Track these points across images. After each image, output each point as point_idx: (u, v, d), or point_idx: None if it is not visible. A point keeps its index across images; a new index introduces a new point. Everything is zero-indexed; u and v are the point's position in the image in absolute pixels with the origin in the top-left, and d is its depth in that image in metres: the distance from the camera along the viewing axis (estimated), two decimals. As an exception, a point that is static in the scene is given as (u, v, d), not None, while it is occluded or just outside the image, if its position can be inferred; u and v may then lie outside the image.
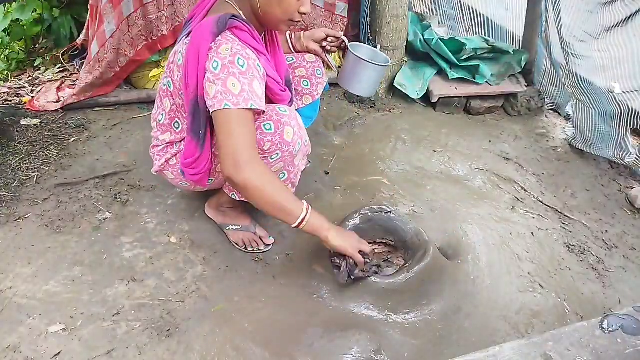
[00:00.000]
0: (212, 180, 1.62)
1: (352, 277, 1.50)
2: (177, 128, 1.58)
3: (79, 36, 2.74)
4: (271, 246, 1.79)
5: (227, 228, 1.80)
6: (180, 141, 1.60)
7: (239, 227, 1.78)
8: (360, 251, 1.49)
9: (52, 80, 2.75)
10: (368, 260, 1.53)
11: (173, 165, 1.62)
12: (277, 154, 1.47)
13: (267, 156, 1.47)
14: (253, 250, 1.77)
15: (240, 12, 1.40)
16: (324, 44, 1.78)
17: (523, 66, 2.72)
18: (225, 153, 1.29)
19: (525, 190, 2.21)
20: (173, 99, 1.51)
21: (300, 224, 1.38)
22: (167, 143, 1.62)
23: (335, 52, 1.85)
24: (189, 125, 1.44)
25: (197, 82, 1.33)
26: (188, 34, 1.43)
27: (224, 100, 1.27)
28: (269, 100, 1.52)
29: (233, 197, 1.65)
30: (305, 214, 1.38)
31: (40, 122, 2.38)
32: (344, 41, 1.75)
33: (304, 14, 1.40)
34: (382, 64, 1.74)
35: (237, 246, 1.78)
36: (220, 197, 1.79)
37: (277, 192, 1.34)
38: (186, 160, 1.51)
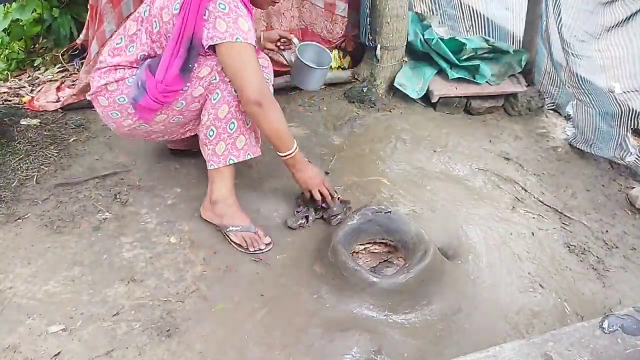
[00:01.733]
0: (161, 117, 1.67)
1: (307, 222, 1.84)
2: (130, 51, 1.63)
3: (78, 36, 2.74)
4: (271, 246, 1.79)
5: (228, 230, 1.77)
6: (126, 67, 1.64)
7: (239, 228, 1.76)
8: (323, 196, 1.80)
9: (51, 80, 2.75)
10: (324, 206, 1.84)
11: (111, 91, 1.65)
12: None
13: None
14: (255, 250, 1.75)
15: None
16: (278, 44, 2.04)
17: (523, 66, 2.72)
18: (250, 81, 1.51)
19: (526, 190, 2.21)
20: (141, 25, 1.61)
21: (287, 155, 1.67)
22: (113, 66, 1.64)
23: (289, 50, 2.08)
24: (181, 64, 1.55)
25: (195, 23, 1.49)
26: None
27: (235, 34, 1.47)
28: None
29: (211, 167, 1.73)
30: (295, 150, 1.68)
31: (40, 122, 2.38)
32: (293, 42, 1.99)
33: None
34: (321, 68, 2.01)
35: (239, 248, 1.77)
36: (211, 194, 1.78)
37: (282, 124, 1.62)
38: (165, 86, 1.58)
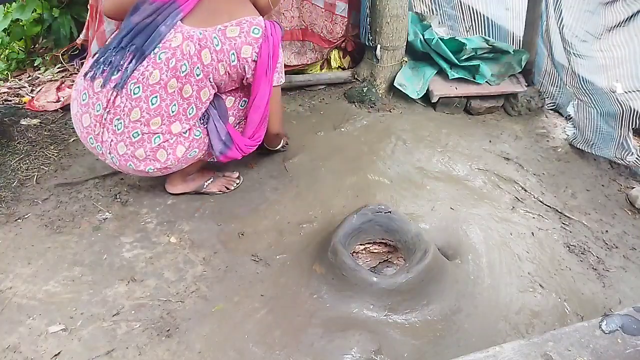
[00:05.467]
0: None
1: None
2: (191, 113, 1.66)
3: (78, 36, 2.73)
4: (241, 180, 2.06)
5: (205, 187, 1.98)
6: (191, 129, 1.69)
7: (211, 180, 1.99)
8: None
9: (52, 80, 2.75)
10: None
11: (180, 154, 1.69)
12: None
13: None
14: (234, 188, 2.03)
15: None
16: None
17: (523, 66, 2.72)
18: (279, 115, 1.84)
19: (526, 190, 2.21)
20: (197, 85, 1.63)
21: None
22: (177, 134, 1.66)
23: None
24: (265, 105, 1.75)
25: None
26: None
27: (281, 78, 1.74)
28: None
29: (211, 161, 1.92)
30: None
31: (40, 122, 2.38)
32: None
33: None
34: None
35: (221, 192, 2.01)
36: (184, 170, 1.87)
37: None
38: (254, 141, 1.83)
